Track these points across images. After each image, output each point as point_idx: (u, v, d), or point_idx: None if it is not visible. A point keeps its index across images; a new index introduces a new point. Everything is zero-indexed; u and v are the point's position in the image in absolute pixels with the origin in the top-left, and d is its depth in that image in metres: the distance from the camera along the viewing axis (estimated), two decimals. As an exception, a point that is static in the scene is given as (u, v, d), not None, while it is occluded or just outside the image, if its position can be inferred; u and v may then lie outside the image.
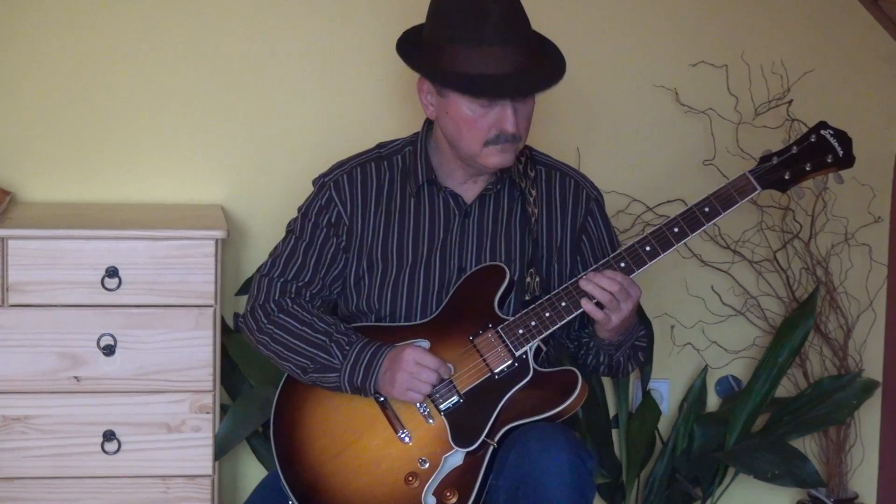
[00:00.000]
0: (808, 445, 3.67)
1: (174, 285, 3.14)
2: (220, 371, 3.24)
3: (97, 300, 3.13)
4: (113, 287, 3.13)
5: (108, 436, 3.17)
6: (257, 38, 3.45)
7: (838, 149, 2.83)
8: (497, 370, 2.76)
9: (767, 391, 3.51)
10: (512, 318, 2.78)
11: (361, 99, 3.49)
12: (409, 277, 2.87)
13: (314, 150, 3.43)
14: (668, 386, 3.67)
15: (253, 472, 3.51)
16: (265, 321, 2.86)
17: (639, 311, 3.02)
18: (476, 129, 2.75)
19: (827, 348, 3.66)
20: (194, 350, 3.16)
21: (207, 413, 3.19)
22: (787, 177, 2.83)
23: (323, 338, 2.80)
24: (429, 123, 2.91)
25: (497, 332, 2.78)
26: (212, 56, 3.44)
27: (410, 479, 2.73)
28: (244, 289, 3.44)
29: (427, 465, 2.74)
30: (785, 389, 3.66)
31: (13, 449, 3.15)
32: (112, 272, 3.12)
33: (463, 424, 2.73)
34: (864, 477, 3.73)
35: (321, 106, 3.49)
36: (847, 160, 2.84)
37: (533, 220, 2.88)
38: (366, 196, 2.89)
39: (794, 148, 2.83)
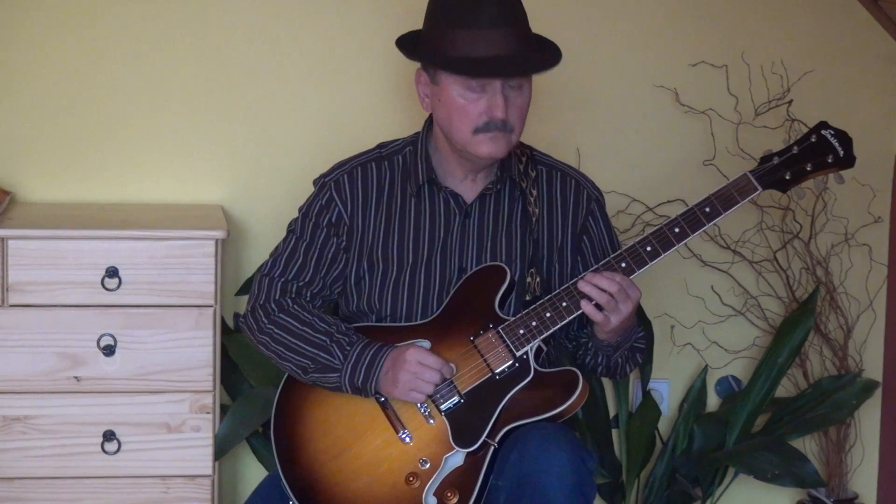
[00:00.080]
0: (808, 445, 3.67)
1: (174, 285, 3.14)
2: (220, 371, 3.24)
3: (97, 300, 3.13)
4: (113, 287, 3.13)
5: (108, 436, 3.17)
6: (257, 38, 3.45)
7: (839, 149, 2.83)
8: (498, 370, 2.76)
9: (767, 391, 3.51)
10: (513, 319, 2.78)
11: (362, 99, 3.49)
12: (410, 277, 2.87)
13: (314, 150, 3.43)
14: (668, 386, 3.67)
15: (253, 472, 3.51)
16: (266, 321, 2.86)
17: (639, 312, 3.02)
18: (467, 116, 2.75)
19: (827, 348, 3.66)
20: (194, 350, 3.16)
21: (207, 413, 3.19)
22: (787, 177, 2.83)
23: (324, 338, 2.80)
24: (429, 124, 2.91)
25: (498, 332, 2.78)
26: (212, 56, 3.44)
27: (411, 479, 2.73)
28: (244, 289, 3.44)
29: (428, 466, 2.74)
30: (785, 389, 3.66)
31: (13, 449, 3.15)
32: (112, 272, 3.12)
33: (464, 425, 2.73)
34: (864, 477, 3.73)
35: (321, 106, 3.49)
36: (848, 160, 2.84)
37: (534, 220, 2.88)
38: (366, 196, 2.89)
39: (795, 148, 2.84)
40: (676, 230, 2.79)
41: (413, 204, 2.88)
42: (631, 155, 3.59)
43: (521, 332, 2.77)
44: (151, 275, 3.14)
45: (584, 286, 2.75)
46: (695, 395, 3.59)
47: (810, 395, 3.58)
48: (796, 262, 3.63)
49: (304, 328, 2.82)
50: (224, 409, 3.30)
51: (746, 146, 3.51)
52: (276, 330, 2.84)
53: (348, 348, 2.77)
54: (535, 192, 2.90)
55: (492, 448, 2.72)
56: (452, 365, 2.75)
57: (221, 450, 3.23)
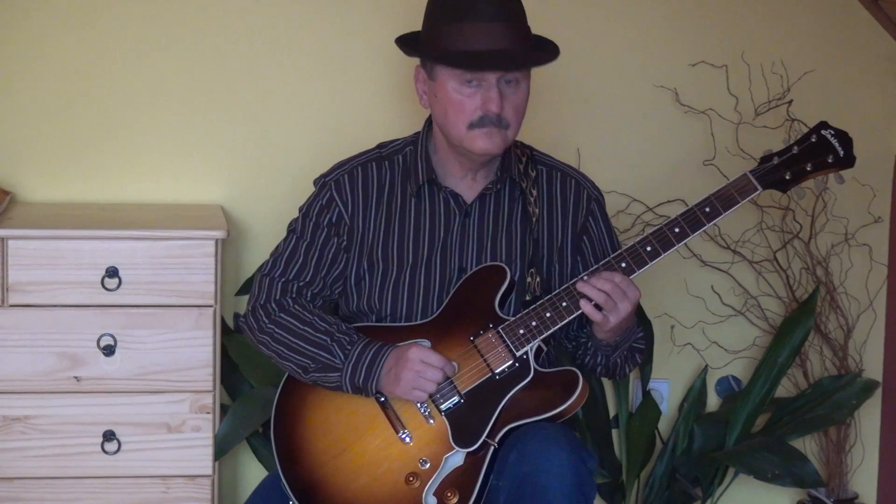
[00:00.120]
0: (808, 445, 3.67)
1: (174, 285, 3.14)
2: (220, 371, 3.24)
3: (97, 300, 3.13)
4: (113, 287, 3.13)
5: (108, 436, 3.17)
6: (257, 38, 3.45)
7: (839, 149, 2.83)
8: (498, 370, 2.76)
9: (767, 391, 3.51)
10: (513, 319, 2.78)
11: (362, 99, 3.49)
12: (410, 277, 2.87)
13: (314, 150, 3.43)
14: (668, 386, 3.67)
15: (253, 472, 3.51)
16: (266, 321, 2.86)
17: (639, 312, 3.03)
18: (462, 110, 2.75)
19: (827, 348, 3.66)
20: (194, 350, 3.16)
21: (207, 413, 3.19)
22: (787, 177, 2.83)
23: (324, 337, 2.80)
24: (429, 124, 2.91)
25: (498, 332, 2.78)
26: (212, 56, 3.44)
27: (411, 479, 2.73)
28: (244, 289, 3.44)
29: (428, 466, 2.74)
30: (785, 389, 3.66)
31: (13, 449, 3.15)
32: (112, 272, 3.12)
33: (464, 425, 2.73)
34: (864, 477, 3.73)
35: (321, 106, 3.49)
36: (848, 160, 2.84)
37: (534, 220, 2.88)
38: (367, 196, 2.89)
39: (795, 148, 2.84)
40: (676, 230, 2.79)
41: (413, 204, 2.88)
42: (631, 155, 3.59)
43: (521, 331, 2.77)
44: (151, 275, 3.14)
45: (583, 286, 2.75)
46: (695, 395, 3.59)
47: (810, 395, 3.58)
48: (796, 262, 3.63)
49: (305, 328, 2.82)
50: (224, 409, 3.30)
51: (746, 146, 3.51)
52: (276, 330, 2.84)
53: (349, 347, 2.77)
54: (535, 192, 2.90)
55: (492, 448, 2.72)
56: (455, 363, 2.75)
57: (221, 450, 3.23)
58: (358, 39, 3.47)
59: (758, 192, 2.82)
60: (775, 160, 2.83)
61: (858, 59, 3.62)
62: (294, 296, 2.87)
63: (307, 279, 2.88)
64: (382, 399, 2.78)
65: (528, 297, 2.84)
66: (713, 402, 3.69)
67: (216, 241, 3.16)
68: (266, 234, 3.40)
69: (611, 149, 3.58)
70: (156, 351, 3.16)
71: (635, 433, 3.51)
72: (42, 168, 3.43)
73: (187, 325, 3.15)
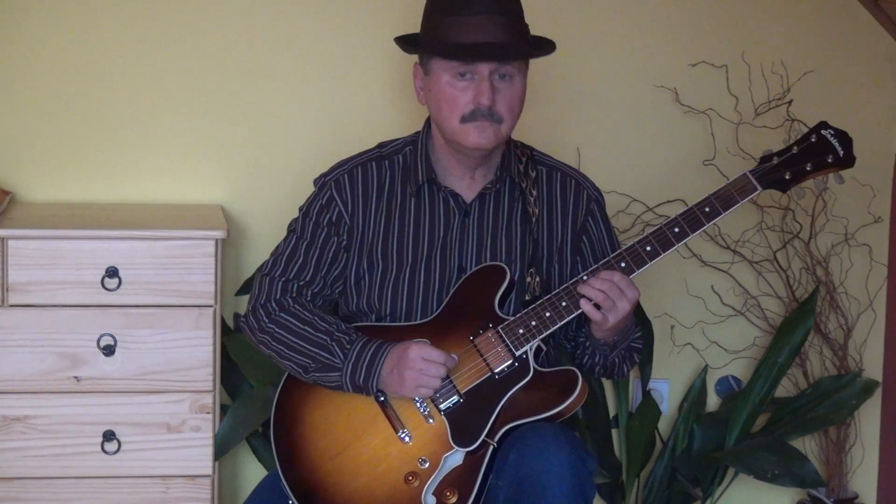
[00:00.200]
0: (808, 445, 3.67)
1: (174, 285, 3.14)
2: (220, 371, 3.24)
3: (97, 300, 3.13)
4: (113, 287, 3.13)
5: (108, 436, 3.17)
6: (257, 38, 3.45)
7: (839, 149, 2.83)
8: (497, 370, 2.76)
9: (767, 391, 3.51)
10: (512, 318, 2.78)
11: (362, 99, 3.49)
12: (410, 277, 2.87)
13: (314, 149, 3.43)
14: (668, 386, 3.67)
15: (253, 472, 3.51)
16: (266, 320, 2.86)
17: (639, 312, 3.03)
18: (455, 104, 2.76)
19: (827, 348, 3.66)
20: (194, 350, 3.16)
21: (207, 413, 3.19)
22: (787, 177, 2.83)
23: (324, 337, 2.80)
24: (429, 123, 2.91)
25: (497, 331, 2.78)
26: (212, 56, 3.44)
27: (410, 478, 2.73)
28: (244, 289, 3.44)
29: (427, 465, 2.74)
30: (785, 389, 3.66)
31: (13, 449, 3.15)
32: (112, 272, 3.12)
33: (463, 424, 2.73)
34: (864, 477, 3.73)
35: (321, 106, 3.49)
36: (848, 160, 2.84)
37: (533, 220, 2.88)
38: (366, 195, 2.89)
39: (795, 148, 2.84)
40: (676, 230, 2.79)
41: (413, 203, 2.88)
42: (631, 155, 3.59)
43: (521, 331, 2.77)
44: (151, 275, 3.14)
45: (583, 285, 2.75)
46: (695, 395, 3.59)
47: (810, 395, 3.58)
48: (796, 262, 3.63)
49: (305, 327, 2.82)
50: (224, 409, 3.30)
51: (746, 146, 3.51)
52: (276, 329, 2.84)
53: (348, 347, 2.77)
54: (534, 193, 2.90)
55: (491, 447, 2.72)
56: (454, 355, 2.75)
57: (221, 450, 3.23)
58: (358, 39, 3.47)
59: (758, 192, 2.82)
60: (775, 160, 2.83)
61: (858, 59, 3.62)
62: (294, 295, 2.87)
63: (307, 279, 2.88)
64: (382, 399, 2.78)
65: (527, 297, 2.84)
66: (713, 402, 3.69)
67: (216, 241, 3.16)
68: (266, 234, 3.40)
69: (611, 149, 3.58)
70: (156, 351, 3.16)
71: (635, 433, 3.51)
72: (42, 168, 3.43)
73: (187, 325, 3.15)
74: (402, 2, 3.32)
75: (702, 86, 3.56)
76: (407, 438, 2.75)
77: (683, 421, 3.56)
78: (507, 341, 2.77)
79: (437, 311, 2.84)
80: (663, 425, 3.59)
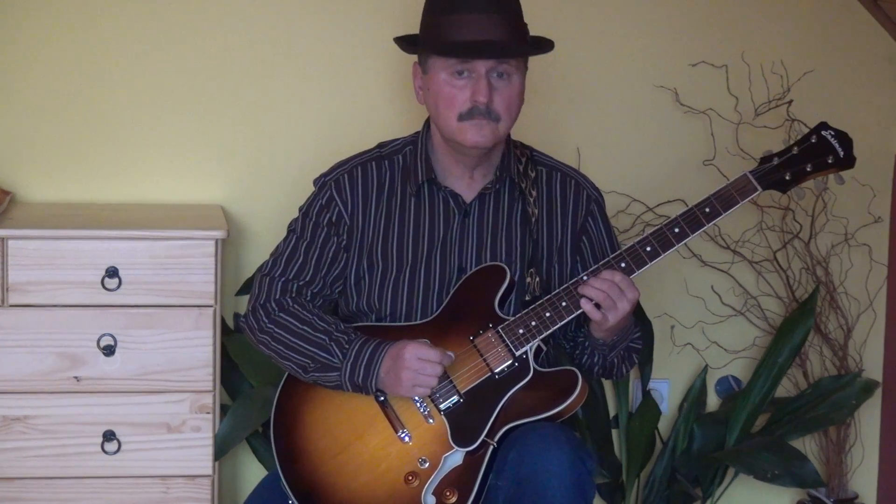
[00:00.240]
0: (808, 445, 3.67)
1: (174, 285, 3.14)
2: (220, 371, 3.24)
3: (97, 300, 3.13)
4: (113, 287, 3.13)
5: (108, 436, 3.17)
6: (257, 38, 3.45)
7: (839, 149, 2.83)
8: (497, 370, 2.76)
9: (767, 391, 3.51)
10: (512, 318, 2.78)
11: (362, 99, 3.49)
12: (410, 277, 2.87)
13: (314, 149, 3.43)
14: (668, 386, 3.67)
15: (253, 472, 3.51)
16: (266, 320, 2.86)
17: (639, 312, 3.03)
18: (452, 102, 2.76)
19: (827, 348, 3.66)
20: (194, 350, 3.16)
21: (207, 413, 3.19)
22: (787, 177, 2.83)
23: (323, 336, 2.80)
24: (429, 123, 2.91)
25: (497, 331, 2.78)
26: (212, 56, 3.44)
27: (410, 478, 2.73)
28: (244, 289, 3.44)
29: (427, 465, 2.74)
30: (785, 389, 3.66)
31: (13, 449, 3.15)
32: (112, 272, 3.12)
33: (463, 424, 2.74)
34: (864, 477, 3.73)
35: (321, 106, 3.49)
36: (848, 161, 2.84)
37: (533, 220, 2.88)
38: (366, 195, 2.89)
39: (795, 148, 2.84)
40: (676, 230, 2.79)
41: (413, 203, 2.89)
42: (631, 155, 3.59)
43: (521, 331, 2.77)
44: (151, 275, 3.14)
45: (583, 286, 2.75)
46: (695, 395, 3.59)
47: (810, 395, 3.58)
48: (796, 262, 3.63)
49: (304, 327, 2.82)
50: (224, 409, 3.30)
51: (746, 146, 3.51)
52: (276, 329, 2.84)
53: (346, 346, 2.77)
54: (534, 193, 2.90)
55: (491, 447, 2.72)
56: (451, 353, 2.75)
57: (221, 450, 3.23)
58: (358, 39, 3.47)
59: (758, 193, 2.82)
60: (775, 160, 2.83)
61: (858, 59, 3.62)
62: (294, 295, 2.87)
63: (307, 279, 2.88)
64: (382, 398, 2.78)
65: (527, 297, 2.84)
66: (713, 402, 3.69)
67: (216, 241, 3.16)
68: (266, 234, 3.40)
69: (611, 149, 3.58)
70: (156, 351, 3.16)
71: (635, 433, 3.51)
72: (42, 168, 3.43)
73: (187, 325, 3.15)
74: (402, 2, 3.32)
75: (702, 86, 3.56)
76: (407, 438, 2.75)
77: (683, 421, 3.56)
78: (507, 341, 2.77)
79: (437, 312, 2.84)
80: (663, 425, 3.59)
